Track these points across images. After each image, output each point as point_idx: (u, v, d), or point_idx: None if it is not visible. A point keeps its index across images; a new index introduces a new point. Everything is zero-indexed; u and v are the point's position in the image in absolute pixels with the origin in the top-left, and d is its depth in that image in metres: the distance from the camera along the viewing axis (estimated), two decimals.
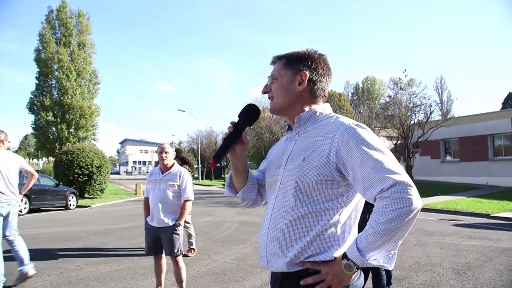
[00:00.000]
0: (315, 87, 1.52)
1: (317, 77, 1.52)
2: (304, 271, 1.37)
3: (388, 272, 4.08)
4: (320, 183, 1.36)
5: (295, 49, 1.58)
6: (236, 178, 1.69)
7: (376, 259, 1.26)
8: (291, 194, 1.42)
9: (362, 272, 1.43)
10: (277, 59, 1.58)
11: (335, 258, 1.34)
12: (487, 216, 11.04)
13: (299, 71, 1.51)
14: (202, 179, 42.21)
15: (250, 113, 1.58)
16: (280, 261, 1.41)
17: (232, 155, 1.61)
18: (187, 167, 6.42)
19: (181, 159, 6.27)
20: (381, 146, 1.32)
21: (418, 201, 1.21)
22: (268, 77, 1.59)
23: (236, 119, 1.56)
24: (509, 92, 55.89)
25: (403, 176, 1.24)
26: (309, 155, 1.40)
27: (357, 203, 1.43)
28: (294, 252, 1.38)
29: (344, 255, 1.30)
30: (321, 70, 1.53)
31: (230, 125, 1.55)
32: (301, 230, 1.38)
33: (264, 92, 1.59)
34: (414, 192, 1.22)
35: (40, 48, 29.94)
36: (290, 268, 1.39)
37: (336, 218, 1.38)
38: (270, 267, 1.47)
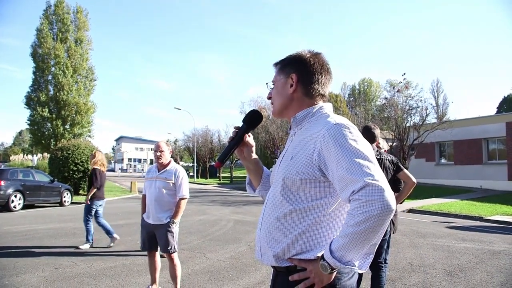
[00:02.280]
0: (308, 87, 1.53)
1: (307, 77, 1.53)
2: (293, 267, 1.42)
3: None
4: (303, 181, 1.39)
5: (293, 48, 1.62)
6: (251, 177, 1.83)
7: (350, 261, 1.26)
8: (279, 191, 1.46)
9: (355, 272, 1.43)
10: (274, 66, 1.64)
11: (318, 257, 1.37)
12: (480, 219, 11.12)
13: (289, 74, 1.54)
14: (197, 177, 42.15)
15: (252, 119, 1.69)
16: (269, 254, 1.48)
17: (241, 157, 1.75)
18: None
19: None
20: (361, 147, 1.31)
21: (388, 205, 1.19)
22: (267, 83, 1.69)
23: (236, 121, 1.64)
24: (504, 96, 56.29)
25: (376, 179, 1.23)
26: (296, 154, 1.44)
27: (345, 204, 1.42)
28: (280, 247, 1.43)
29: (322, 256, 1.32)
30: (311, 69, 1.53)
31: (234, 129, 1.69)
32: (287, 226, 1.43)
33: (268, 98, 1.66)
34: (387, 195, 1.20)
35: (37, 43, 29.82)
36: (280, 263, 1.45)
37: (322, 217, 1.40)
38: (263, 261, 1.54)
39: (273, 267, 1.53)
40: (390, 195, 1.21)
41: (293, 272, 1.41)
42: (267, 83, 1.65)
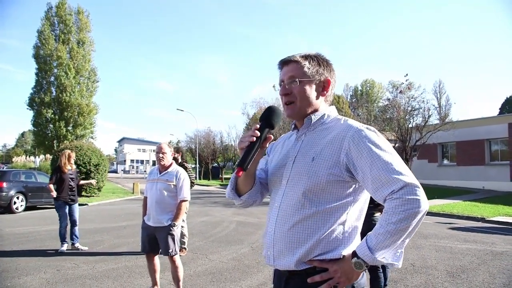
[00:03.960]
0: (330, 92, 1.58)
1: (333, 82, 1.58)
2: (311, 269, 1.40)
3: (384, 274, 4.10)
4: (330, 183, 1.39)
5: (295, 47, 1.59)
6: (245, 182, 1.60)
7: (384, 257, 1.30)
8: (300, 193, 1.42)
9: (364, 273, 1.45)
10: (294, 62, 1.51)
11: (344, 256, 1.37)
12: (483, 220, 11.08)
13: (322, 78, 1.54)
14: (199, 179, 42.16)
15: (271, 117, 1.49)
16: (288, 259, 1.43)
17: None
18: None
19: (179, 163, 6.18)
20: (389, 148, 1.37)
21: (426, 202, 1.26)
22: (282, 82, 1.53)
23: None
24: (507, 97, 56.13)
25: (412, 178, 1.29)
26: (319, 156, 1.43)
27: (364, 202, 1.47)
28: (302, 251, 1.40)
29: (354, 253, 1.33)
30: (334, 76, 1.59)
31: (254, 129, 1.45)
32: (310, 229, 1.40)
33: (283, 94, 1.51)
34: (422, 193, 1.26)
35: (39, 45, 29.93)
36: (298, 267, 1.41)
37: (343, 217, 1.41)
38: (277, 265, 1.49)
39: (283, 271, 1.49)
40: (424, 193, 1.28)
41: (311, 274, 1.39)
42: (273, 86, 1.64)
